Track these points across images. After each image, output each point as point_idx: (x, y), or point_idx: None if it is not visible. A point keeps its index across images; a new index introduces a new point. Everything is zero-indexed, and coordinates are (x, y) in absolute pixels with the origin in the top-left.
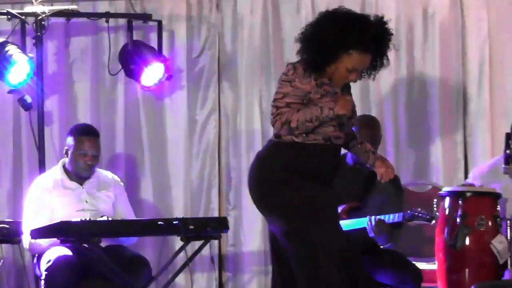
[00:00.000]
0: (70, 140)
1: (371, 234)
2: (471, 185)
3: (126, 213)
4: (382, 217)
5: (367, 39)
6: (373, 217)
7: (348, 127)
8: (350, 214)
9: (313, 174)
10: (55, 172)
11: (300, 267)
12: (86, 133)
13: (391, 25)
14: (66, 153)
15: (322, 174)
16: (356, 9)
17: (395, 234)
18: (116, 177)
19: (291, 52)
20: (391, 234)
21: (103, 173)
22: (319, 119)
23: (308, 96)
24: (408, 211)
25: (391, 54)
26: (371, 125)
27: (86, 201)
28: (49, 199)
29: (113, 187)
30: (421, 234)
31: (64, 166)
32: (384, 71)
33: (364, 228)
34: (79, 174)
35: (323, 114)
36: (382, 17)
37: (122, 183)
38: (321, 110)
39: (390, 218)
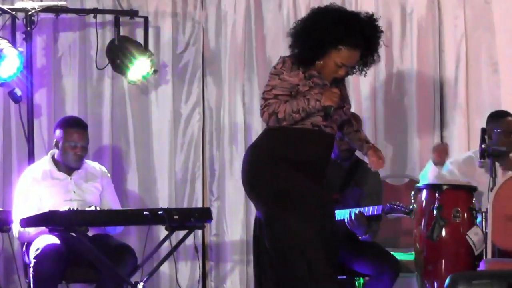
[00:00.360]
0: (58, 132)
1: (348, 226)
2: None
3: (113, 203)
4: (361, 209)
5: (356, 35)
6: (353, 210)
7: (340, 116)
8: None
9: (301, 161)
10: (44, 163)
11: (276, 255)
12: (75, 125)
13: None
14: (56, 145)
15: (310, 161)
16: None
17: (374, 226)
18: (103, 169)
19: (273, 48)
20: (369, 227)
21: (91, 165)
22: (305, 110)
23: (296, 88)
24: (387, 204)
25: None
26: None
27: (74, 192)
28: (38, 189)
29: (100, 178)
30: (399, 226)
31: (53, 157)
32: None
33: (344, 220)
34: (69, 165)
35: (310, 105)
36: (372, 15)
37: (109, 175)
38: (308, 101)
39: (369, 210)
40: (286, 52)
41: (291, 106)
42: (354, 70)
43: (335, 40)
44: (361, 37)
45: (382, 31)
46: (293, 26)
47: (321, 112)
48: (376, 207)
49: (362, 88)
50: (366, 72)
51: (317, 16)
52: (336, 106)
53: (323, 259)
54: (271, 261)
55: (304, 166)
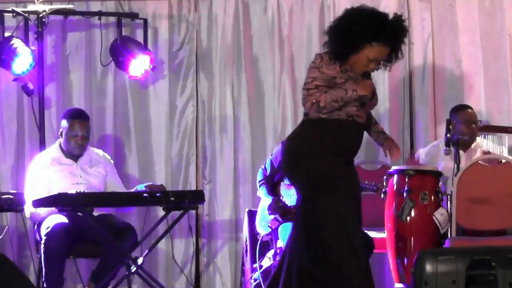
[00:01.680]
0: (64, 123)
1: None
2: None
3: (117, 186)
4: None
5: (388, 33)
6: None
7: (369, 107)
8: None
9: (337, 148)
10: (52, 150)
11: (316, 234)
12: (77, 117)
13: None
14: (61, 134)
15: (345, 148)
16: (316, 10)
17: None
18: (106, 155)
19: (259, 47)
20: None
21: (95, 151)
22: (343, 99)
23: (334, 80)
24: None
25: None
26: None
27: (80, 176)
28: (47, 174)
29: (104, 164)
30: (373, 207)
31: (60, 145)
32: None
33: None
34: (71, 152)
35: (347, 95)
36: (401, 16)
37: (112, 161)
38: (346, 91)
39: None
40: (271, 49)
41: (331, 96)
42: (380, 66)
43: (370, 36)
44: (392, 34)
45: (407, 30)
46: (329, 25)
47: (356, 102)
48: None
49: None
50: (390, 68)
51: (354, 15)
52: (370, 96)
53: (361, 240)
54: (308, 242)
55: (340, 152)
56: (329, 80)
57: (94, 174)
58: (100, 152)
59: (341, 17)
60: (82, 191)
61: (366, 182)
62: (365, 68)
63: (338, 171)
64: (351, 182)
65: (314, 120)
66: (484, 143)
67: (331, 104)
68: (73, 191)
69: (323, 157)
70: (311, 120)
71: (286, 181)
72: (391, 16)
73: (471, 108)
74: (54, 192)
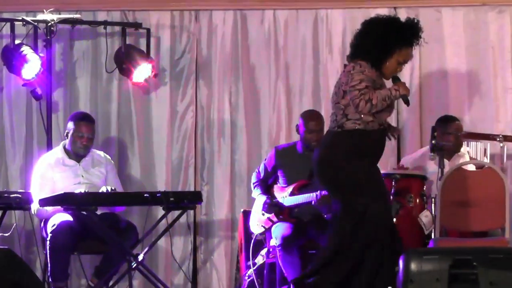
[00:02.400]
0: (70, 125)
1: (316, 206)
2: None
3: (115, 186)
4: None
5: (412, 36)
6: (318, 192)
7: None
8: (301, 190)
9: (374, 156)
10: (56, 152)
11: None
12: (84, 119)
13: (339, 36)
14: (67, 135)
15: (375, 153)
16: (310, 22)
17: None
18: (107, 156)
19: (256, 56)
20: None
21: (97, 153)
22: (390, 98)
23: (375, 83)
24: None
25: (339, 57)
26: (319, 117)
27: (82, 176)
28: (52, 174)
29: (105, 164)
30: None
31: (64, 147)
32: (333, 70)
33: (310, 202)
34: (77, 152)
35: (392, 94)
36: (418, 20)
37: (112, 162)
38: (390, 91)
39: None
40: (267, 59)
41: (380, 95)
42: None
43: (401, 41)
44: (415, 37)
45: (423, 31)
46: (358, 35)
47: (389, 108)
48: None
49: (332, 91)
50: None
51: (382, 24)
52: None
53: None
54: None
55: (375, 159)
56: (373, 82)
57: (95, 174)
58: (101, 153)
59: (369, 28)
60: (84, 190)
61: None
62: (395, 72)
63: (373, 176)
64: (383, 183)
65: (351, 130)
66: (467, 150)
67: (382, 102)
68: (78, 191)
69: (358, 164)
70: (348, 132)
71: (280, 184)
72: (410, 20)
73: (458, 120)
74: (58, 190)
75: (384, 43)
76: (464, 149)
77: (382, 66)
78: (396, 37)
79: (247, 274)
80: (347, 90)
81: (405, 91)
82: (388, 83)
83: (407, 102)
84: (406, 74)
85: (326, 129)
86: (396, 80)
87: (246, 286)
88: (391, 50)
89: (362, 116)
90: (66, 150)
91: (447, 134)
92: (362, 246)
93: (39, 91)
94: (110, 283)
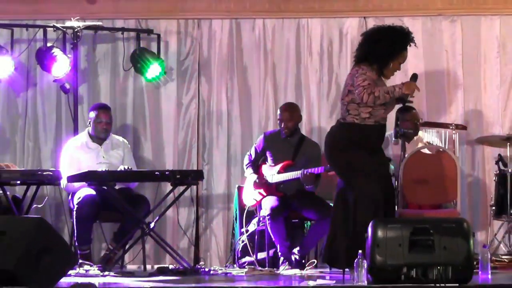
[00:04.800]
0: (92, 114)
1: (302, 181)
2: None
3: (131, 165)
4: (310, 170)
5: (410, 41)
6: (304, 170)
7: (408, 103)
8: (286, 169)
9: (368, 145)
10: (82, 136)
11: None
12: (102, 108)
13: (317, 41)
14: (89, 123)
15: (371, 144)
16: (293, 29)
17: (317, 181)
18: (125, 140)
19: (248, 57)
20: (315, 180)
21: (116, 137)
22: (393, 93)
23: (375, 82)
24: (328, 165)
25: (317, 58)
26: (291, 108)
27: (103, 157)
28: (78, 155)
29: (122, 147)
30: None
31: (88, 133)
32: (313, 73)
33: (296, 179)
34: (98, 136)
35: (396, 90)
36: (408, 28)
37: (128, 145)
38: (394, 88)
39: (316, 170)
40: (257, 60)
41: (383, 89)
42: None
43: (402, 46)
44: (411, 41)
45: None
46: (366, 42)
47: (384, 106)
48: (320, 167)
49: (311, 88)
50: None
51: (390, 32)
52: (412, 96)
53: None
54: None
55: (369, 148)
56: (374, 81)
57: (114, 155)
58: (119, 138)
59: (377, 36)
60: (105, 169)
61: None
62: (395, 72)
63: (366, 161)
64: (376, 167)
65: (350, 123)
66: (425, 136)
67: (384, 95)
68: (99, 169)
69: (356, 151)
70: (348, 124)
71: (268, 163)
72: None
73: (415, 109)
74: (83, 169)
75: (391, 48)
76: (422, 134)
77: (387, 67)
78: (399, 43)
79: (240, 239)
80: (351, 90)
81: (407, 91)
82: (390, 82)
83: (404, 101)
84: None
85: (307, 116)
86: (414, 78)
87: (240, 249)
88: (396, 54)
89: (360, 112)
90: (90, 135)
91: (405, 121)
92: (360, 219)
93: (67, 86)
94: (126, 247)
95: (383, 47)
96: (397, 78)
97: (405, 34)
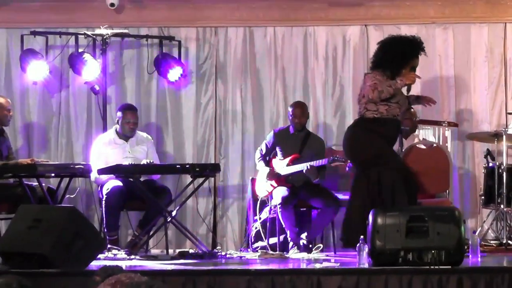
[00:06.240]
0: (119, 114)
1: (306, 174)
2: None
3: (154, 159)
4: (313, 163)
5: (422, 49)
6: (308, 164)
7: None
8: (294, 162)
9: (385, 134)
10: (110, 133)
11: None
12: (129, 108)
13: (323, 47)
14: (117, 122)
15: (391, 134)
16: (301, 36)
17: (322, 173)
18: (149, 136)
19: (260, 62)
20: (318, 174)
21: (140, 134)
22: (395, 85)
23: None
24: (331, 157)
25: (323, 62)
26: (301, 106)
27: (129, 152)
28: (106, 150)
29: (146, 143)
30: (338, 176)
31: (116, 130)
32: (319, 75)
33: (302, 171)
34: (125, 134)
35: (398, 83)
36: (419, 37)
37: (152, 141)
38: (396, 82)
39: (319, 162)
40: (269, 64)
41: (385, 83)
42: None
43: (415, 53)
44: (422, 50)
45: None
46: (387, 52)
47: (399, 104)
48: (323, 159)
49: (317, 89)
50: None
51: (405, 41)
52: (413, 84)
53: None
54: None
55: (389, 136)
56: (382, 83)
57: (139, 150)
58: (144, 134)
59: (395, 46)
60: (131, 162)
61: (337, 156)
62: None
63: (386, 151)
64: (396, 159)
65: (370, 118)
66: (420, 133)
67: (387, 88)
68: (126, 163)
69: (376, 142)
70: (367, 118)
71: (278, 157)
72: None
73: (413, 108)
74: (111, 163)
75: (403, 56)
76: (417, 130)
77: (399, 74)
78: (411, 51)
79: (254, 226)
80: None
81: (408, 81)
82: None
83: (408, 90)
84: None
85: (313, 114)
86: (412, 69)
87: (253, 235)
88: (408, 61)
89: (378, 108)
90: (117, 132)
91: (405, 119)
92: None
93: (96, 87)
94: (151, 233)
95: (396, 55)
96: None
97: (416, 43)
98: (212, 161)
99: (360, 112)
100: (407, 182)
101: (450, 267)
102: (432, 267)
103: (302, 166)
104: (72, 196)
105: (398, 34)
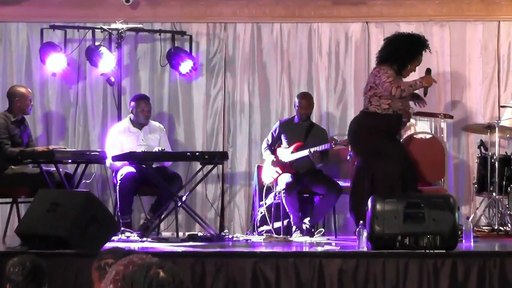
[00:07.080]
0: (133, 104)
1: (311, 158)
2: None
3: (166, 147)
4: (316, 148)
5: (426, 46)
6: (312, 149)
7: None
8: (298, 149)
9: (386, 129)
10: (125, 122)
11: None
12: (142, 98)
13: (326, 43)
14: (132, 111)
15: (391, 129)
16: (306, 32)
17: (325, 158)
18: (161, 125)
19: (267, 56)
20: (322, 158)
21: (153, 123)
22: (415, 86)
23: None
24: (333, 141)
25: (326, 57)
26: (308, 97)
27: (142, 140)
28: (120, 138)
29: (158, 132)
30: (340, 164)
31: (130, 119)
32: (322, 70)
33: (306, 157)
34: (140, 122)
35: (417, 83)
36: (424, 35)
37: (164, 129)
38: (416, 81)
39: (323, 147)
40: (275, 58)
41: (407, 83)
42: None
43: (420, 50)
44: (426, 46)
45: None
46: (394, 48)
47: (402, 99)
48: (326, 144)
49: (321, 83)
50: None
51: (410, 39)
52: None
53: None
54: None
55: (389, 132)
56: (395, 78)
57: (152, 138)
58: (157, 123)
59: (400, 42)
60: (144, 150)
61: (339, 141)
62: (410, 73)
63: (386, 144)
64: (397, 151)
65: (373, 112)
66: (417, 124)
67: (408, 88)
68: (139, 150)
69: (377, 135)
70: (370, 112)
71: (283, 145)
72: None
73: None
74: (125, 150)
75: (410, 52)
76: (414, 122)
77: (405, 68)
78: (416, 47)
79: (259, 211)
80: (373, 86)
81: (427, 84)
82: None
83: (425, 93)
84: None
85: (317, 106)
86: (429, 72)
87: (258, 219)
88: (413, 57)
89: (381, 103)
90: (131, 121)
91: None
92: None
93: (112, 79)
94: (162, 217)
95: (403, 50)
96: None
97: (422, 41)
98: (221, 150)
99: (365, 104)
100: (408, 173)
101: (444, 251)
102: (427, 251)
103: (306, 152)
104: (88, 181)
105: (405, 32)
